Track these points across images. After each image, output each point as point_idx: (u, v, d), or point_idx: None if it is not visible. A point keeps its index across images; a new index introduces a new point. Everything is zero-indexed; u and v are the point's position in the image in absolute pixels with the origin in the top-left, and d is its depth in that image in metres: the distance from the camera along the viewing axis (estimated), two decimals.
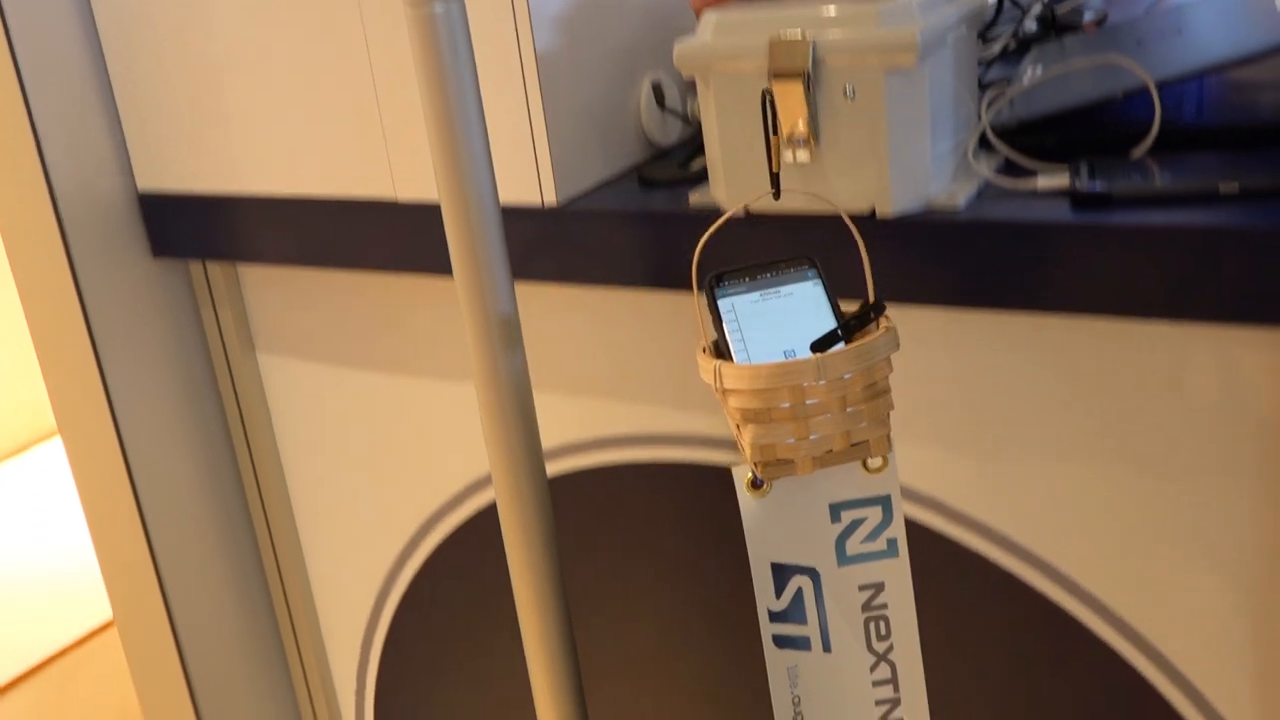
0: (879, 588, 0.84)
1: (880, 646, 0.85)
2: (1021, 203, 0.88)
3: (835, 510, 0.82)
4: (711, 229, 0.85)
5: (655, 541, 1.19)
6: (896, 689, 0.86)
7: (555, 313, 1.14)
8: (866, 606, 0.84)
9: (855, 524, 0.82)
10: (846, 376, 0.75)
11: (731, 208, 0.92)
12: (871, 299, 0.79)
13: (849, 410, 0.76)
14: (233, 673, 1.48)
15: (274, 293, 1.32)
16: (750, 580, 0.99)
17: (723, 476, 1.12)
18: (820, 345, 0.76)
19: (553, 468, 1.21)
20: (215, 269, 1.31)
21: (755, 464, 0.78)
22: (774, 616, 0.84)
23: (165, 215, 1.26)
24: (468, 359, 1.13)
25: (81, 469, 1.36)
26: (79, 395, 1.31)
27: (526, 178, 1.01)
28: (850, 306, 0.81)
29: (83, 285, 1.25)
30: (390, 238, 1.12)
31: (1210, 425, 0.89)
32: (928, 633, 1.08)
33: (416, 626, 1.41)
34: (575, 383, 1.17)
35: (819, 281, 0.82)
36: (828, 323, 0.80)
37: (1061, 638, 1.02)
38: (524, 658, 1.05)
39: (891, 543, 0.82)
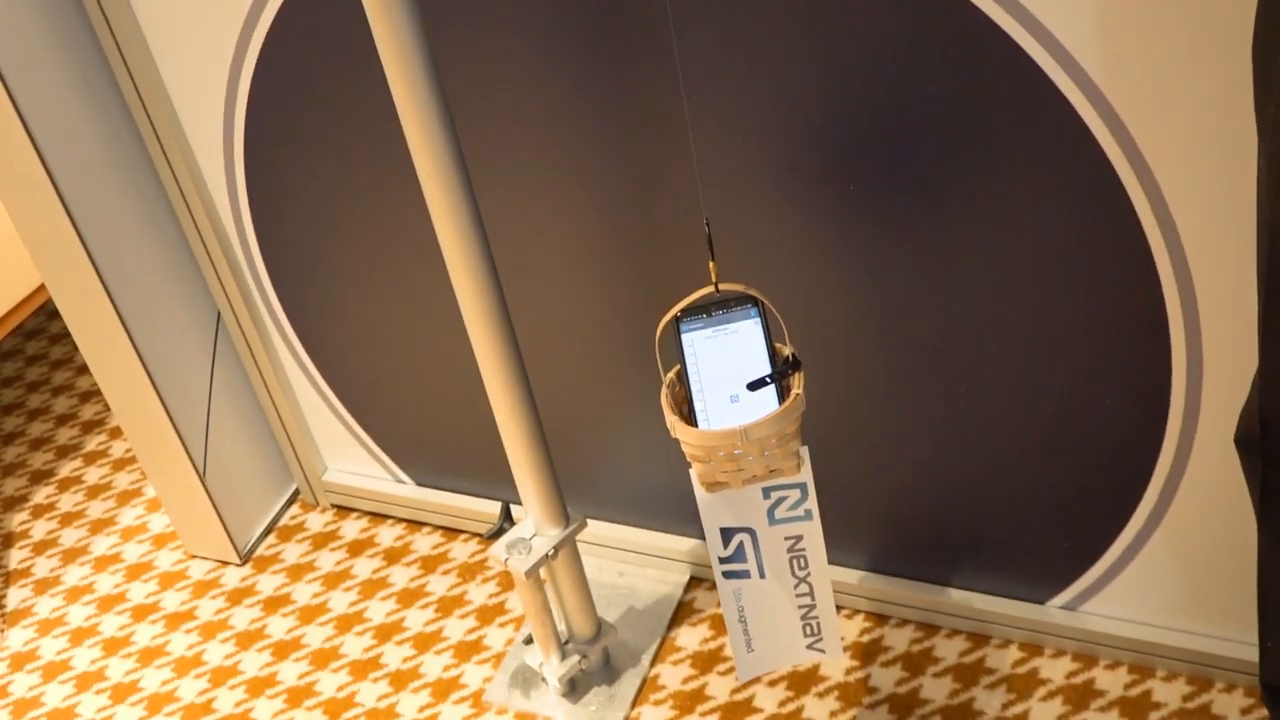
0: (799, 538, 1.19)
1: (801, 574, 1.22)
2: None
3: (766, 492, 1.16)
4: (687, 300, 1.09)
5: (531, 18, 1.19)
6: (813, 598, 1.24)
7: None
8: (790, 550, 1.20)
9: (780, 500, 1.16)
10: (764, 435, 1.05)
11: None
12: (790, 355, 1.07)
13: (766, 454, 1.07)
14: (103, 184, 1.50)
15: None
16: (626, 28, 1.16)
17: None
18: (754, 386, 1.06)
19: None
20: None
21: (701, 485, 1.12)
22: (722, 560, 1.21)
23: None
24: None
25: None
26: None
27: None
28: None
29: None
30: None
31: None
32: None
33: (277, 98, 1.41)
34: None
35: (759, 320, 1.09)
36: (763, 364, 1.08)
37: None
38: (391, 98, 1.07)
39: (808, 511, 1.17)
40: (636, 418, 1.49)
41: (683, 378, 1.10)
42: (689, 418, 1.09)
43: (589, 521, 1.45)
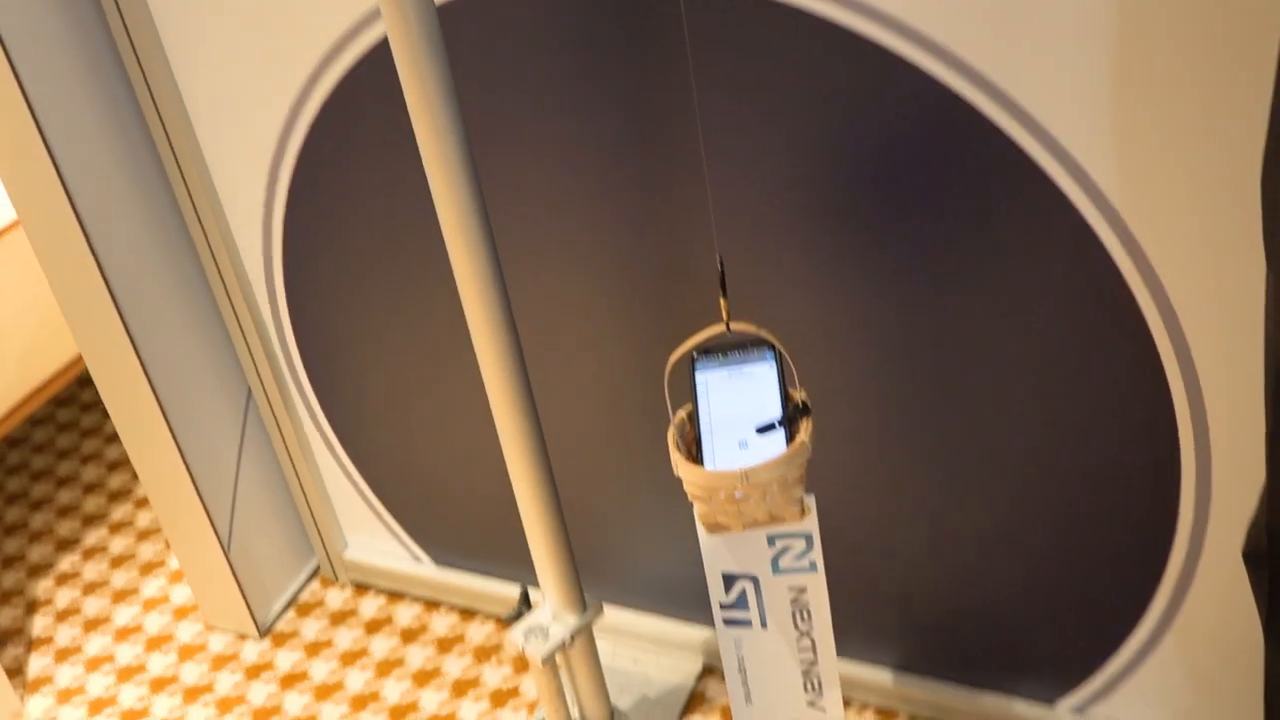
0: (802, 590, 1.17)
1: (804, 627, 1.20)
2: None
3: (771, 539, 1.14)
4: (696, 339, 1.09)
5: (554, 61, 1.22)
6: (814, 653, 1.22)
7: None
8: (794, 602, 1.18)
9: (785, 549, 1.15)
10: (765, 479, 1.05)
11: None
12: (800, 401, 1.07)
13: (768, 499, 1.07)
14: (143, 259, 1.54)
15: None
16: (652, 92, 1.20)
17: None
18: (763, 430, 1.06)
19: None
20: None
21: (702, 525, 1.11)
22: (724, 606, 1.19)
23: None
24: None
25: None
26: None
27: None
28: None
29: None
30: None
31: None
32: (794, 99, 1.14)
33: (317, 184, 1.45)
34: None
35: (774, 364, 1.09)
36: (773, 406, 1.08)
37: (917, 94, 1.09)
38: (428, 188, 1.10)
39: (813, 563, 1.15)
40: (655, 504, 1.52)
41: (693, 418, 1.10)
42: (696, 457, 1.09)
43: (604, 607, 1.47)
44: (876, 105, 1.10)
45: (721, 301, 1.08)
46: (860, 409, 1.31)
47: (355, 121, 1.37)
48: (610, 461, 1.52)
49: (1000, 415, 1.24)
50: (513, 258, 1.37)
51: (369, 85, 1.33)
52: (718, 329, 1.09)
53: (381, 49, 1.30)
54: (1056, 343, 1.17)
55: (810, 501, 1.11)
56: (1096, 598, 1.32)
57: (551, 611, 1.39)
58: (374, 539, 1.81)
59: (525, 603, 1.43)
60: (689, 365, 1.11)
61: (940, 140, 1.10)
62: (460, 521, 1.72)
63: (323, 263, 1.52)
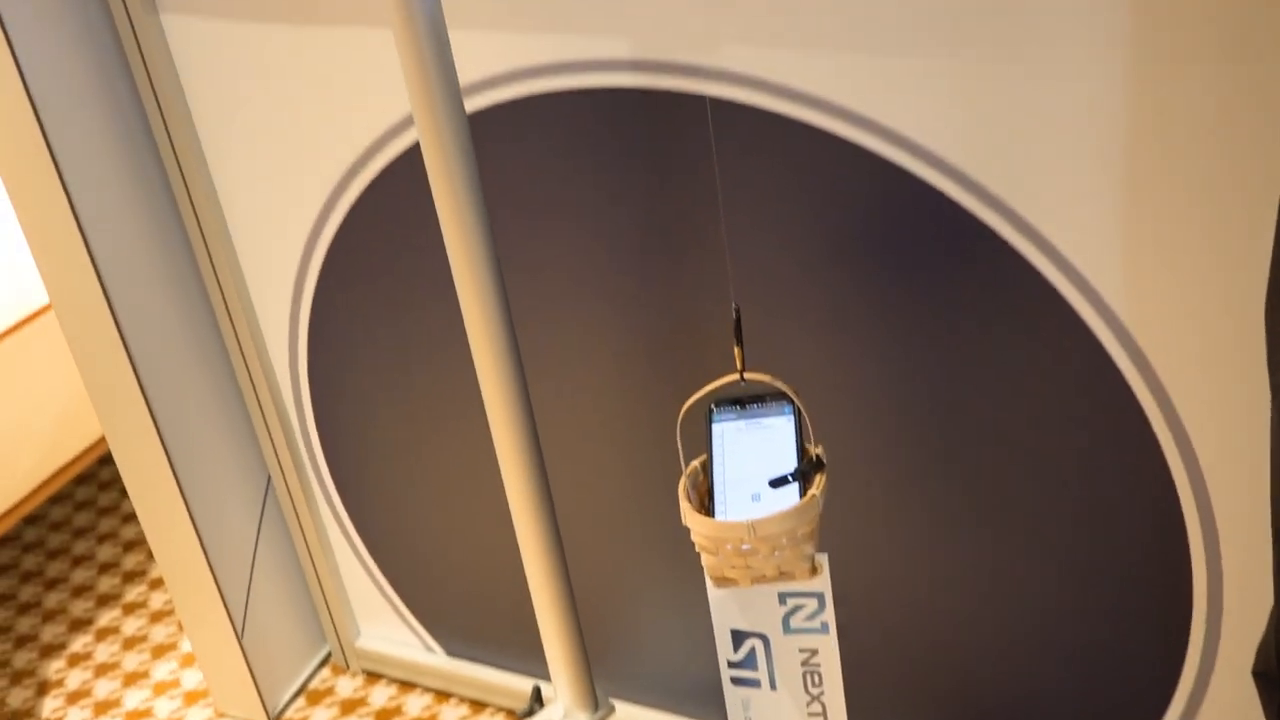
0: (814, 652, 1.14)
1: (814, 691, 1.16)
2: None
3: (782, 597, 1.11)
4: (710, 387, 1.07)
5: (581, 168, 1.25)
6: (825, 718, 1.17)
7: None
8: (805, 664, 1.15)
9: (797, 608, 1.12)
10: (772, 533, 1.02)
11: None
12: (815, 456, 1.05)
13: (776, 554, 1.04)
14: (170, 344, 1.57)
15: None
16: (677, 202, 1.23)
17: (646, 101, 1.18)
18: (776, 483, 1.04)
19: (472, 103, 1.26)
20: None
21: (710, 578, 1.08)
22: (732, 664, 1.16)
23: None
24: (379, 1, 1.16)
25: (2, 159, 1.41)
26: None
27: None
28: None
29: None
30: None
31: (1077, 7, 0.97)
32: (810, 225, 1.16)
33: (345, 279, 1.48)
34: (489, 16, 1.20)
35: (792, 417, 1.08)
36: (790, 461, 1.06)
37: (937, 217, 1.11)
38: (456, 298, 1.12)
39: (824, 624, 1.11)
40: (669, 597, 1.52)
41: (708, 468, 1.09)
42: (709, 508, 1.06)
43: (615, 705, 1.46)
44: (883, 209, 1.13)
45: (736, 351, 1.07)
46: (874, 472, 1.32)
47: (383, 222, 1.40)
48: (625, 550, 1.52)
49: (1010, 518, 1.25)
50: (526, 306, 1.39)
51: (395, 190, 1.37)
52: (732, 378, 1.07)
53: (410, 155, 1.33)
54: (1064, 460, 1.18)
55: (822, 560, 1.07)
56: (1110, 713, 1.31)
57: (564, 710, 1.39)
58: (387, 628, 1.82)
59: (537, 699, 1.43)
60: (705, 415, 1.09)
61: (950, 253, 1.12)
62: (474, 613, 1.72)
63: (346, 353, 1.55)
